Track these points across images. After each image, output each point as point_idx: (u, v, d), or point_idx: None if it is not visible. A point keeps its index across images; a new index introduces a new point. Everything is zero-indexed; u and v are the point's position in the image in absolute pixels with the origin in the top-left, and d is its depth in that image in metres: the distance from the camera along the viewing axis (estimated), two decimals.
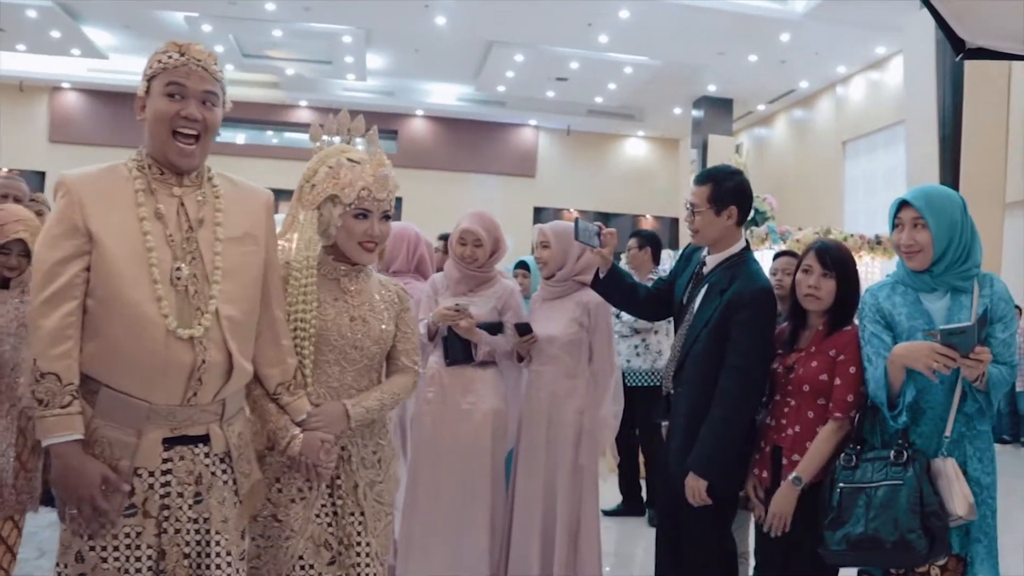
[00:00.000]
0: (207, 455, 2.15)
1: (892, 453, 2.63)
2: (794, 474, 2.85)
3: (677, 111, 18.58)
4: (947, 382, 2.64)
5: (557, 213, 19.22)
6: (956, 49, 3.15)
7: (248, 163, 16.96)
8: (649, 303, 3.61)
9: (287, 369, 2.37)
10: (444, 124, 19.66)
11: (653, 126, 20.25)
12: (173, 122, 2.10)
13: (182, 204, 2.14)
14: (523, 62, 15.69)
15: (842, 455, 2.76)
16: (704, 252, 3.33)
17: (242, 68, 16.71)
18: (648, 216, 20.83)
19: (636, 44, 14.49)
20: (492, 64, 16.01)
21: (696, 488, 3.03)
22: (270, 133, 20.14)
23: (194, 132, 2.13)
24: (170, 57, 2.12)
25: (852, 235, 7.61)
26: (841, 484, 2.70)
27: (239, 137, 19.62)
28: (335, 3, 13.11)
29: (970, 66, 9.98)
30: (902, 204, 2.77)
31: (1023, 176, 11.23)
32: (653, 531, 3.53)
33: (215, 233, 2.16)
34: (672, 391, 3.30)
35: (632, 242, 6.15)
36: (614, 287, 3.49)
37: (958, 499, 2.54)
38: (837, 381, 2.86)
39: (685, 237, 16.69)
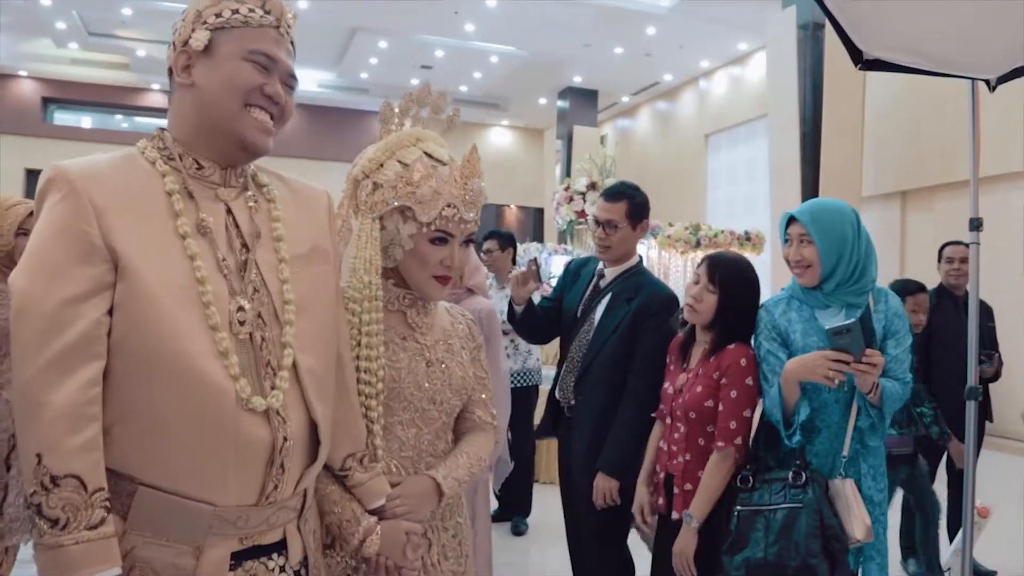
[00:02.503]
0: (282, 569, 1.54)
1: (790, 474, 2.55)
2: (687, 512, 2.72)
3: (542, 101, 18.62)
4: (842, 400, 2.60)
5: None
6: (855, 60, 3.14)
7: (95, 149, 15.96)
8: (546, 325, 3.59)
9: (358, 436, 1.74)
10: (305, 111, 19.05)
11: (518, 116, 20.25)
12: (251, 95, 1.52)
13: (229, 212, 1.54)
14: (387, 49, 15.35)
15: (739, 477, 2.67)
16: (600, 265, 3.38)
17: (88, 48, 15.87)
18: (513, 206, 20.83)
19: (502, 34, 14.37)
20: (355, 50, 15.60)
21: (607, 489, 3.04)
22: (119, 117, 19.26)
23: (272, 113, 1.57)
24: (252, 11, 1.54)
25: (722, 231, 7.62)
26: (738, 507, 2.60)
27: (85, 121, 18.67)
28: None
29: (829, 65, 10.31)
30: (791, 219, 2.69)
31: (877, 172, 11.69)
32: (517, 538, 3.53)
33: (278, 252, 1.56)
34: (573, 401, 3.27)
35: (492, 243, 5.90)
36: (530, 318, 3.50)
37: (857, 523, 2.50)
38: (720, 407, 2.72)
39: (551, 229, 16.88)
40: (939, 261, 5.27)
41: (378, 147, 1.88)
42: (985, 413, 5.13)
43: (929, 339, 4.80)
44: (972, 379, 3.03)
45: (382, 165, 1.85)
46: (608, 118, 19.75)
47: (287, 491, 1.50)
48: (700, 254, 7.84)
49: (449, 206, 1.82)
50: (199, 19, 1.53)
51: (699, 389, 2.76)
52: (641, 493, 2.95)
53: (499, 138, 21.34)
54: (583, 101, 17.56)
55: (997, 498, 2.98)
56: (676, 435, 2.81)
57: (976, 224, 3.03)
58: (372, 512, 1.74)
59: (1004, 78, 2.97)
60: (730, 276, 2.78)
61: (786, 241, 2.69)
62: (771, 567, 2.49)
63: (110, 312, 1.37)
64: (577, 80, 17.02)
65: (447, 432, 1.96)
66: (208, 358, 1.39)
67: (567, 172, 15.79)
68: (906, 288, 4.56)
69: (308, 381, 1.53)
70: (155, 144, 1.53)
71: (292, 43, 1.63)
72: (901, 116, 11.26)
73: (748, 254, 8.05)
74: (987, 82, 2.99)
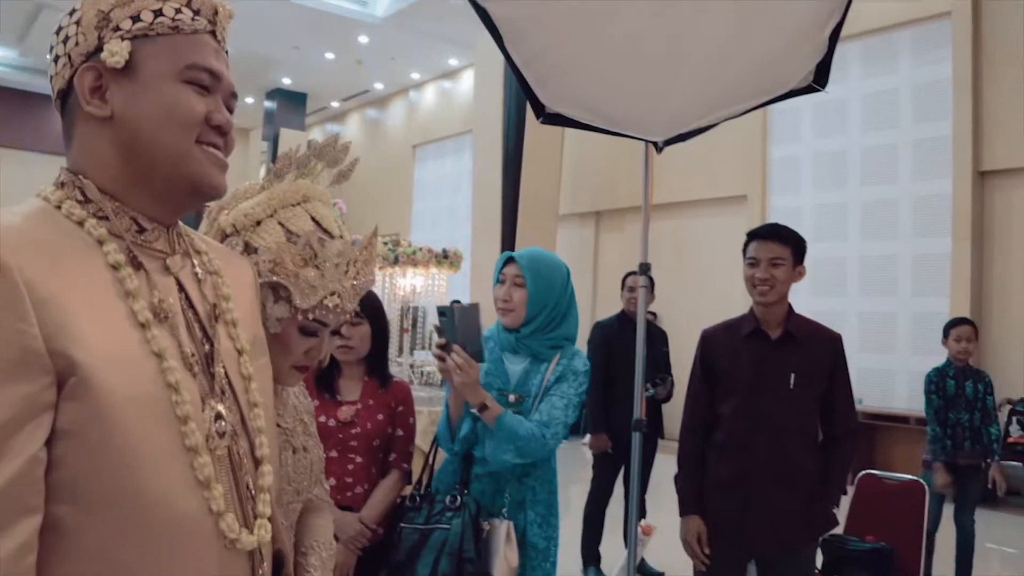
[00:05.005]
0: None
1: (449, 498, 2.62)
2: (363, 512, 2.79)
3: (249, 100, 18.07)
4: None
5: None
6: (537, 112, 3.28)
7: None
8: None
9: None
10: None
11: None
12: (199, 130, 1.15)
13: (182, 289, 1.17)
14: None
15: (409, 496, 2.73)
16: None
17: None
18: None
19: None
20: (42, 28, 14.39)
21: None
22: None
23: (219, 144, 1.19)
24: (180, 12, 1.15)
25: (420, 248, 7.71)
26: (403, 524, 2.65)
27: None
28: None
29: None
30: (509, 260, 2.76)
31: (573, 193, 12.38)
32: None
33: (235, 340, 1.22)
34: None
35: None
36: None
37: (499, 562, 2.56)
38: (399, 432, 2.91)
39: None
40: (622, 288, 5.68)
41: (258, 200, 1.52)
42: (658, 431, 5.58)
43: (609, 359, 5.17)
44: (638, 412, 3.27)
45: (259, 223, 1.49)
46: (317, 122, 19.51)
47: None
48: (399, 271, 7.90)
49: (333, 294, 1.49)
50: (106, 24, 1.11)
51: (380, 417, 2.85)
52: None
53: None
54: (291, 103, 17.27)
55: (670, 500, 3.22)
56: (351, 466, 2.84)
57: (645, 268, 3.28)
58: None
59: (669, 141, 3.26)
60: (372, 306, 2.89)
61: (499, 280, 2.77)
62: None
63: (48, 442, 0.98)
64: (286, 82, 16.70)
65: (296, 522, 1.72)
66: (185, 492, 1.06)
67: None
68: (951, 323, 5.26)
69: (275, 502, 1.22)
70: (72, 196, 1.10)
71: (226, 51, 1.24)
72: (598, 140, 11.95)
73: (446, 272, 8.20)
74: (655, 144, 3.26)
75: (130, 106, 1.11)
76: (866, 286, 9.69)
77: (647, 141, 3.25)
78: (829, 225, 10.02)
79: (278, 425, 1.58)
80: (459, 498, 2.60)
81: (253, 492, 1.17)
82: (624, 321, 5.48)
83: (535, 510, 2.67)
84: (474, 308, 2.52)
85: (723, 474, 3.05)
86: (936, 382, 5.27)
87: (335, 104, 18.34)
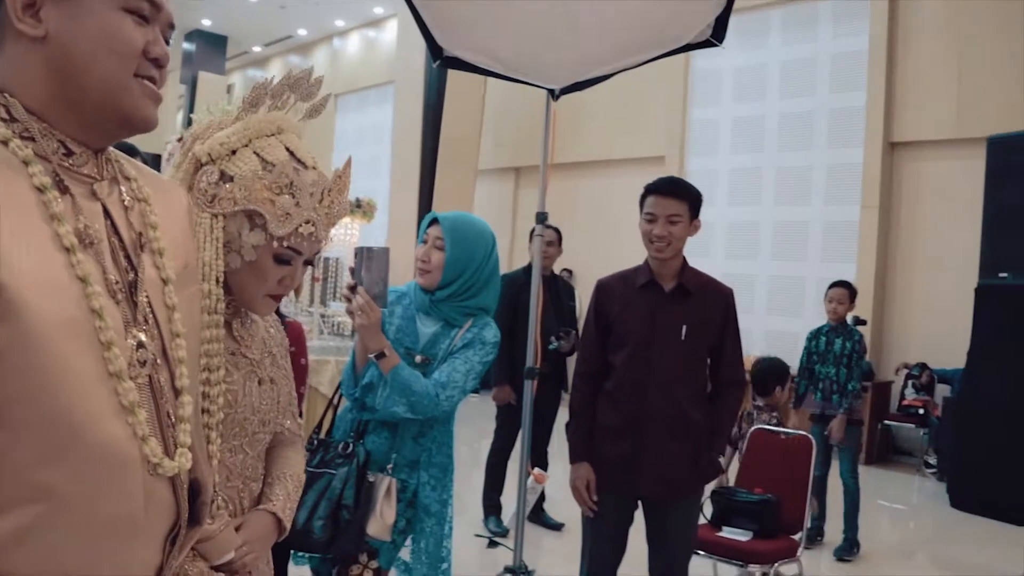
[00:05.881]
0: None
1: (342, 445, 2.60)
2: None
3: None
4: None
5: None
6: (434, 56, 3.24)
7: None
8: None
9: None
10: None
11: None
12: (137, 62, 1.10)
13: (107, 215, 1.13)
14: None
15: (307, 440, 2.70)
16: None
17: None
18: None
19: None
20: None
21: None
22: None
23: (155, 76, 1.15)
24: None
25: None
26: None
27: None
28: None
29: None
30: (433, 220, 2.72)
31: (494, 148, 12.33)
32: None
33: (160, 269, 1.19)
34: None
35: None
36: None
37: (375, 519, 2.55)
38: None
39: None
40: (530, 241, 5.68)
41: (233, 130, 1.55)
42: (561, 384, 5.64)
43: (514, 311, 5.18)
44: (530, 360, 3.29)
45: (234, 152, 1.53)
46: (238, 67, 19.05)
47: (178, 559, 1.20)
48: None
49: (308, 223, 1.53)
50: None
51: None
52: None
53: None
54: (211, 46, 16.85)
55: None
56: None
57: (542, 218, 3.28)
58: (219, 568, 1.49)
59: (566, 89, 3.24)
60: None
61: (423, 240, 2.72)
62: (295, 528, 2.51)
63: None
64: (206, 23, 16.27)
65: (264, 452, 1.73)
66: (109, 416, 1.04)
67: (188, 121, 15.05)
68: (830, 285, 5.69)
69: (194, 431, 1.20)
70: None
71: None
72: (519, 96, 11.94)
73: (359, 222, 8.13)
74: (551, 91, 3.24)
75: (66, 29, 1.05)
76: (777, 250, 9.88)
77: (544, 88, 3.23)
78: (744, 189, 10.17)
79: (244, 356, 1.62)
80: (351, 446, 2.58)
81: (173, 421, 1.15)
82: (529, 273, 5.48)
83: (429, 472, 2.66)
84: (383, 252, 2.48)
85: (613, 422, 3.08)
86: (810, 339, 5.75)
87: (257, 49, 17.92)
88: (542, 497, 5.57)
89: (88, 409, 1.01)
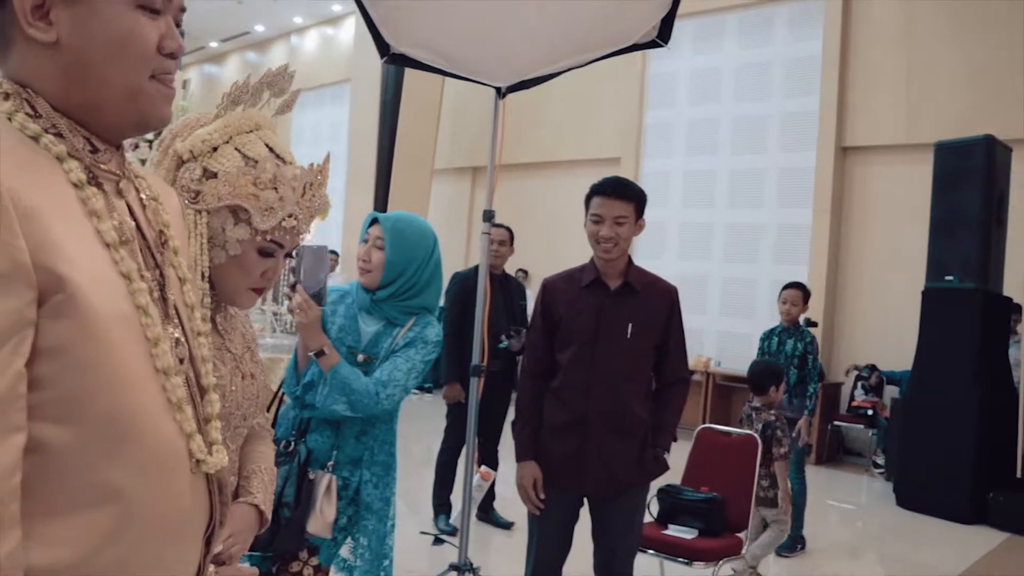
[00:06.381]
0: None
1: (283, 443, 2.59)
2: None
3: None
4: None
5: None
6: (381, 52, 3.23)
7: None
8: None
9: None
10: None
11: None
12: (153, 64, 1.07)
13: (131, 211, 1.11)
14: None
15: None
16: None
17: None
18: None
19: None
20: None
21: None
22: None
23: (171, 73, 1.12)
24: None
25: None
26: None
27: None
28: None
29: None
30: (374, 220, 2.71)
31: (451, 148, 12.32)
32: None
33: (177, 268, 1.18)
34: None
35: None
36: None
37: (316, 516, 2.54)
38: None
39: None
40: None
41: (214, 127, 1.57)
42: (512, 383, 5.63)
43: (465, 310, 5.17)
44: (476, 358, 3.30)
45: (216, 149, 1.55)
46: (194, 62, 18.84)
47: (209, 569, 1.21)
48: None
49: (291, 216, 1.56)
50: None
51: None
52: None
53: None
54: None
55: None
56: None
57: (489, 215, 3.28)
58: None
59: (512, 87, 3.25)
60: None
61: (365, 239, 2.71)
62: None
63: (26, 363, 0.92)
64: None
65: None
66: (161, 413, 1.04)
67: None
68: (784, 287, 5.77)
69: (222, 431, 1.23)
70: (21, 109, 1.01)
71: None
72: (476, 96, 11.95)
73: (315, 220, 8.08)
74: (498, 89, 3.25)
75: (78, 33, 1.00)
76: (730, 252, 9.98)
77: (490, 86, 3.24)
78: (698, 191, 10.26)
79: (228, 351, 1.64)
80: (292, 444, 2.57)
81: (202, 420, 1.15)
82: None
83: (371, 470, 2.65)
84: (320, 250, 2.48)
85: (560, 420, 3.09)
86: (764, 340, 5.80)
87: (214, 44, 17.73)
88: (492, 496, 5.58)
89: (147, 405, 1.02)
